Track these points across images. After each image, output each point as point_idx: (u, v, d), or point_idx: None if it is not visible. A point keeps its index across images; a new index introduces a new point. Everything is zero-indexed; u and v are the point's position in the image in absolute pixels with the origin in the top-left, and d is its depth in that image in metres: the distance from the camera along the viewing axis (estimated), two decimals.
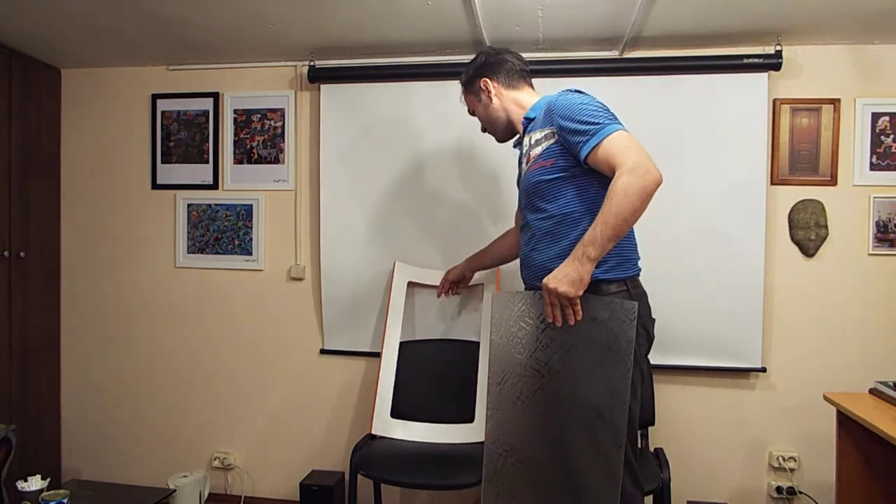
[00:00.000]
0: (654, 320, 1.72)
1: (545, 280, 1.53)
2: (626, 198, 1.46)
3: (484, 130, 2.03)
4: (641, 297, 1.68)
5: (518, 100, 1.90)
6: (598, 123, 1.58)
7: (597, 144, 1.56)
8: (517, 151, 1.99)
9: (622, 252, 1.66)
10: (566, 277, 1.50)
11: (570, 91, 1.71)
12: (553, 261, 1.64)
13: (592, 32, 2.47)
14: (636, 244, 1.74)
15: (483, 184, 2.66)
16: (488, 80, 1.91)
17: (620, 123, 1.60)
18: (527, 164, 1.78)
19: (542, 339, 1.62)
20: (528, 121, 1.83)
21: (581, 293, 1.51)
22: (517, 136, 1.96)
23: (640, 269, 1.73)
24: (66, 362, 3.10)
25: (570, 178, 1.66)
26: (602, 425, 1.54)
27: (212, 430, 2.99)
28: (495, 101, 1.91)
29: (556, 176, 1.67)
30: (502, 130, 1.95)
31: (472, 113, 2.03)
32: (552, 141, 1.68)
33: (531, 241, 1.75)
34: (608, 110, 1.64)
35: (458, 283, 2.47)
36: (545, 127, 1.71)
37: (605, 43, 2.56)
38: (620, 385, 1.51)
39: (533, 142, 1.75)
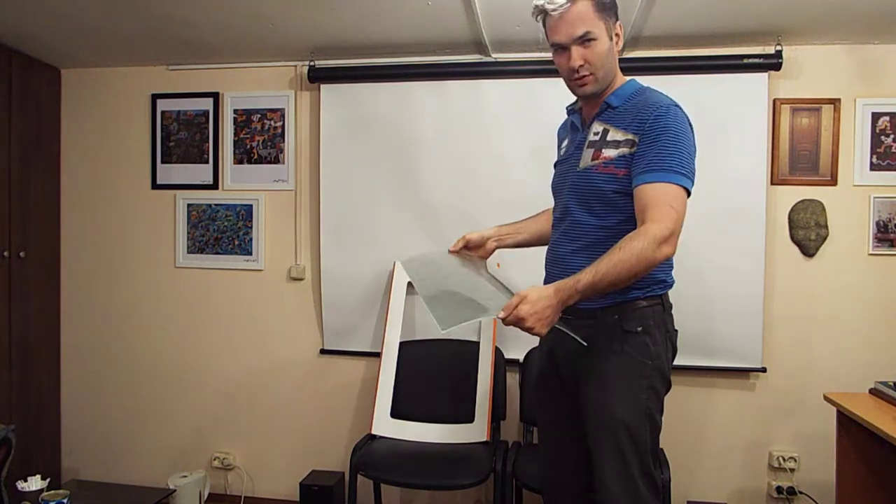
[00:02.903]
0: (676, 332, 1.66)
1: (520, 308, 1.32)
2: (638, 263, 1.38)
3: (575, 71, 1.54)
4: (669, 310, 1.63)
5: (617, 71, 1.62)
6: (676, 166, 1.45)
7: (657, 181, 1.44)
8: (568, 121, 1.75)
9: (654, 275, 1.56)
10: (544, 319, 1.34)
11: (680, 111, 1.53)
12: None
13: None
14: (672, 264, 1.63)
15: (484, 183, 2.65)
16: (621, 29, 1.58)
17: (692, 181, 1.49)
18: (593, 158, 1.57)
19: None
20: (608, 107, 1.59)
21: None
22: (578, 102, 1.69)
23: (672, 285, 1.64)
24: (66, 362, 3.09)
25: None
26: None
27: (212, 430, 2.99)
28: (615, 54, 1.58)
29: (625, 190, 1.51)
30: (602, 83, 1.57)
31: (580, 38, 1.50)
32: (631, 150, 1.50)
33: (574, 242, 1.59)
34: (694, 159, 1.52)
35: (473, 249, 1.86)
36: (629, 130, 1.52)
37: None
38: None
39: (609, 138, 1.56)
